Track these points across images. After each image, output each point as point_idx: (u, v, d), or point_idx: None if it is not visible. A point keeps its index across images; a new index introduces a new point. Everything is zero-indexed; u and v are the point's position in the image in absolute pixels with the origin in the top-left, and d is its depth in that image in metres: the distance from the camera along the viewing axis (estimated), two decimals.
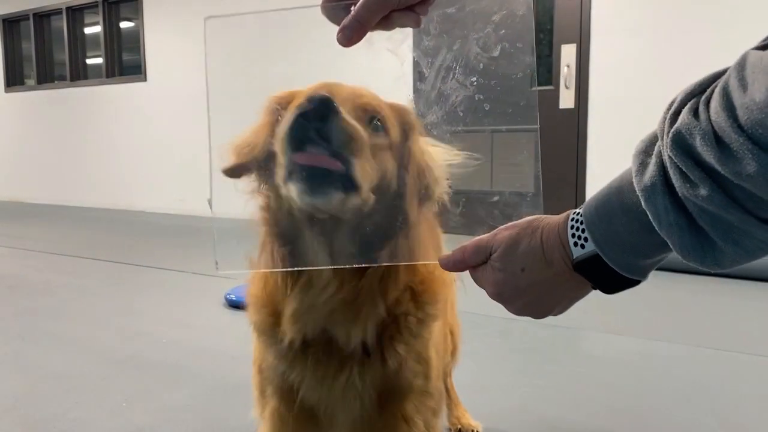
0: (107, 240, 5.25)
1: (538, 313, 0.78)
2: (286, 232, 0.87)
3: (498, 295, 0.77)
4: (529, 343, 2.48)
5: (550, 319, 2.78)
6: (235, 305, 2.96)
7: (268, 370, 1.04)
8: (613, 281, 0.73)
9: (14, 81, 8.43)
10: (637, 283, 0.73)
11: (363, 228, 0.83)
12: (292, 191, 0.74)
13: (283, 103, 0.86)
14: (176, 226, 5.91)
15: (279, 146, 0.76)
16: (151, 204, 7.02)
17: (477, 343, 2.37)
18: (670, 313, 2.86)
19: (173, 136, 6.83)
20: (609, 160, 4.47)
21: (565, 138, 4.61)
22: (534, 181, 0.89)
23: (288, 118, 0.74)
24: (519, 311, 0.77)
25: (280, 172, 0.77)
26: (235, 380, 2.08)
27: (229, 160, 0.89)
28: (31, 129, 8.25)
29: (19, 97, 8.32)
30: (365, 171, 0.77)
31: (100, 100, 7.44)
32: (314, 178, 0.73)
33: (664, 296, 3.17)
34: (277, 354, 0.97)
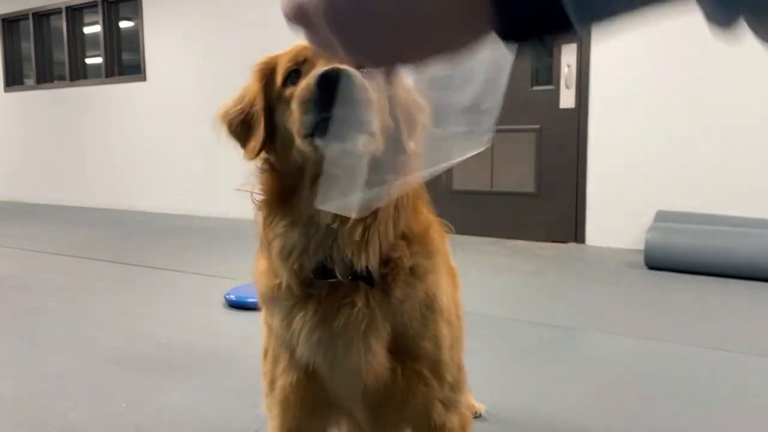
0: (107, 240, 5.25)
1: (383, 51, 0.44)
2: (287, 189, 0.96)
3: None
4: (529, 343, 2.47)
5: (550, 319, 2.79)
6: (235, 305, 2.95)
7: (278, 348, 1.04)
8: (530, 19, 0.38)
9: (13, 81, 8.43)
10: (560, 33, 0.38)
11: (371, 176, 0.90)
12: (320, 143, 0.84)
13: (270, 67, 1.00)
14: (176, 226, 5.91)
15: (300, 108, 0.85)
16: (151, 204, 7.02)
17: (477, 343, 2.37)
18: (670, 313, 2.86)
19: (173, 136, 6.83)
20: (609, 160, 4.47)
21: (565, 138, 4.61)
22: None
23: (308, 83, 0.84)
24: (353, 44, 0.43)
25: (298, 129, 0.86)
26: (235, 380, 2.08)
27: (222, 127, 1.02)
28: (30, 129, 8.24)
29: (18, 96, 8.31)
30: (377, 115, 0.86)
31: (99, 100, 7.43)
32: (341, 127, 0.82)
33: (664, 296, 3.17)
34: (281, 313, 0.99)
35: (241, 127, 0.99)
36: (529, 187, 4.78)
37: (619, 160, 4.42)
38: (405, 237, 0.98)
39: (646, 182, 4.34)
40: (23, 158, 8.34)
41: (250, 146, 0.97)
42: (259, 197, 1.00)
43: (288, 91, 0.94)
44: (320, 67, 0.85)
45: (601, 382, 2.07)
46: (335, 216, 0.90)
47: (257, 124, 0.97)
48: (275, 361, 1.05)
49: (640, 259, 3.76)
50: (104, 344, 2.49)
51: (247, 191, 1.03)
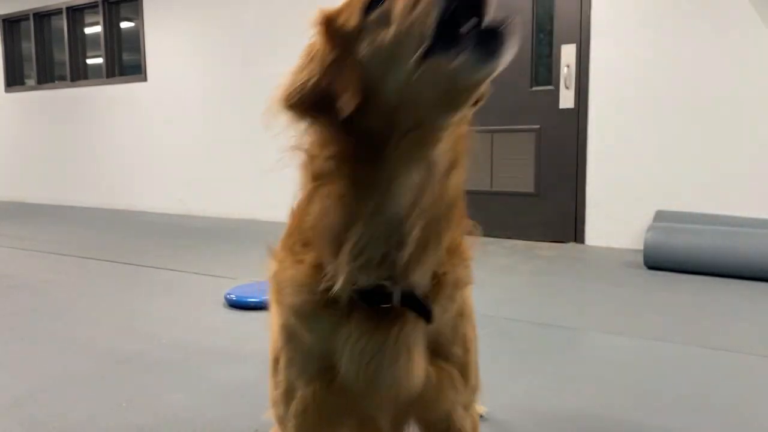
0: (107, 240, 5.25)
1: None
2: (366, 155, 0.81)
3: None
4: (529, 343, 2.48)
5: (550, 319, 2.80)
6: (236, 305, 2.96)
7: (303, 360, 0.96)
8: None
9: (14, 81, 8.43)
10: None
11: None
12: (461, 63, 0.70)
13: (333, 16, 0.83)
14: (176, 226, 5.91)
15: (423, 27, 0.70)
16: (151, 204, 7.02)
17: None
18: (669, 313, 2.86)
19: (173, 136, 6.84)
20: (609, 160, 4.47)
21: (565, 138, 4.61)
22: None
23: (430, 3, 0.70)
24: None
25: (418, 34, 0.71)
26: (235, 380, 2.08)
27: (288, 110, 0.83)
28: (31, 129, 8.25)
29: (19, 97, 8.32)
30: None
31: (100, 100, 7.44)
32: (488, 43, 0.70)
33: (664, 296, 3.17)
34: (319, 329, 0.91)
35: (317, 95, 0.81)
36: (529, 187, 4.79)
37: (618, 160, 4.42)
38: (447, 248, 0.92)
39: (645, 182, 4.35)
40: (24, 158, 8.35)
41: (346, 98, 0.78)
42: (320, 165, 0.84)
43: (376, 13, 0.78)
44: None
45: (600, 382, 2.07)
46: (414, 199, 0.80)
47: (343, 69, 0.79)
48: (295, 372, 0.97)
49: (640, 259, 3.76)
50: (104, 344, 2.50)
51: (290, 165, 0.88)
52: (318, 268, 0.89)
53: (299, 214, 0.93)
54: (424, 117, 0.76)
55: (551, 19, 4.62)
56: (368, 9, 0.79)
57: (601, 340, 2.51)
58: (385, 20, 0.76)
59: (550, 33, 4.64)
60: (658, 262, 3.63)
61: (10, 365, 2.30)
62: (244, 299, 2.94)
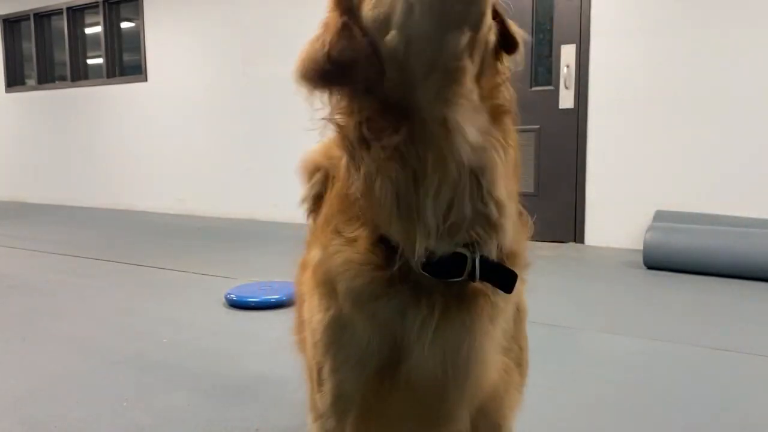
0: (107, 240, 5.25)
1: None
2: (395, 116, 0.76)
3: None
4: (529, 343, 2.48)
5: (550, 319, 2.79)
6: (236, 305, 2.96)
7: (359, 357, 0.82)
8: None
9: (15, 81, 8.44)
10: None
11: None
12: None
13: None
14: (176, 226, 5.91)
15: None
16: (151, 204, 7.03)
17: None
18: (669, 313, 2.87)
19: (173, 136, 6.84)
20: (609, 160, 4.47)
21: (565, 138, 4.62)
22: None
23: None
24: None
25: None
26: (235, 379, 2.09)
27: (307, 74, 0.79)
28: (31, 129, 8.25)
29: (19, 97, 8.32)
30: None
31: (100, 100, 7.44)
32: None
33: (664, 296, 3.17)
34: (385, 317, 0.80)
35: (330, 63, 0.78)
36: (529, 187, 4.79)
37: (618, 160, 4.43)
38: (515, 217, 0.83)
39: (645, 182, 4.35)
40: (24, 158, 8.35)
41: (364, 66, 0.76)
42: (353, 133, 0.78)
43: None
44: None
45: (600, 381, 2.07)
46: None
47: (353, 36, 0.77)
48: (349, 373, 0.83)
49: (640, 259, 3.76)
50: (104, 344, 2.50)
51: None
52: (376, 243, 0.80)
53: (338, 191, 0.86)
54: (435, 53, 0.73)
55: (551, 19, 4.62)
56: None
57: (601, 340, 2.51)
58: None
59: (550, 33, 4.64)
60: (658, 262, 3.63)
61: (10, 365, 2.30)
62: (244, 299, 2.94)
